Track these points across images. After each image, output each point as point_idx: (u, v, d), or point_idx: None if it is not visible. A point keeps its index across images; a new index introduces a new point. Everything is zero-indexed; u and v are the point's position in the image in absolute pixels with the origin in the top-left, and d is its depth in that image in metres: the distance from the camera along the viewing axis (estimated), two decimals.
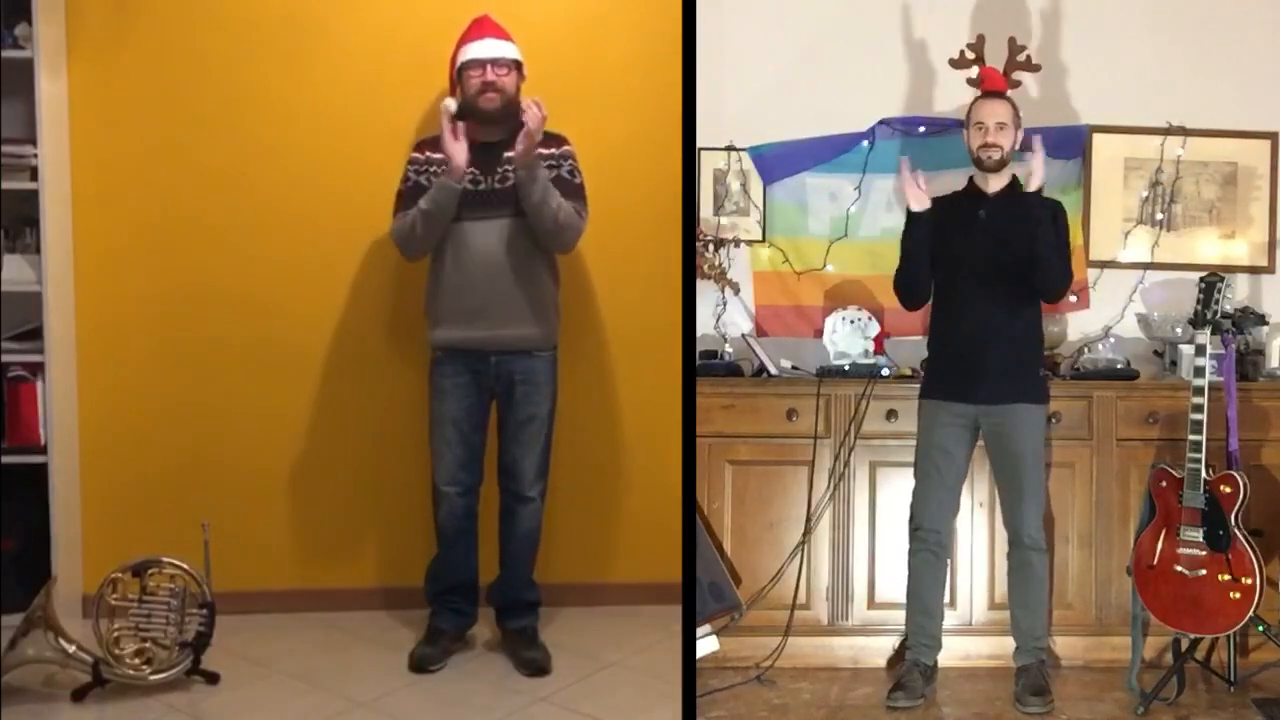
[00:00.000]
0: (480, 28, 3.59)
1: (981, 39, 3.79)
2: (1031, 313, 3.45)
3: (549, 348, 3.67)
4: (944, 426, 3.44)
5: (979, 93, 3.56)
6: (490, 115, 3.54)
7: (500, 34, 3.59)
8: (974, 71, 3.74)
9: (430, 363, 3.70)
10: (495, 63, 3.53)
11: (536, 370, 3.63)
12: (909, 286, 3.51)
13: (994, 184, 3.44)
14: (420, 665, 3.61)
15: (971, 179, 3.49)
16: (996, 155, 3.40)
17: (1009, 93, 3.55)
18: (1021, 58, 3.81)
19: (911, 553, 3.50)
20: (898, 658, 3.66)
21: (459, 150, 3.47)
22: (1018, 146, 3.46)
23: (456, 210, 3.53)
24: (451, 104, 3.57)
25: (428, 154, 3.61)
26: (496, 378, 3.62)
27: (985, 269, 3.39)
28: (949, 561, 3.57)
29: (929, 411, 3.47)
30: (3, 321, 3.67)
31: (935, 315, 3.52)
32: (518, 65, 3.59)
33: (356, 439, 4.09)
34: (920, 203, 3.44)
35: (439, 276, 3.62)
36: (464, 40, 3.59)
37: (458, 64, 3.58)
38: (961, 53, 3.80)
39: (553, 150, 3.60)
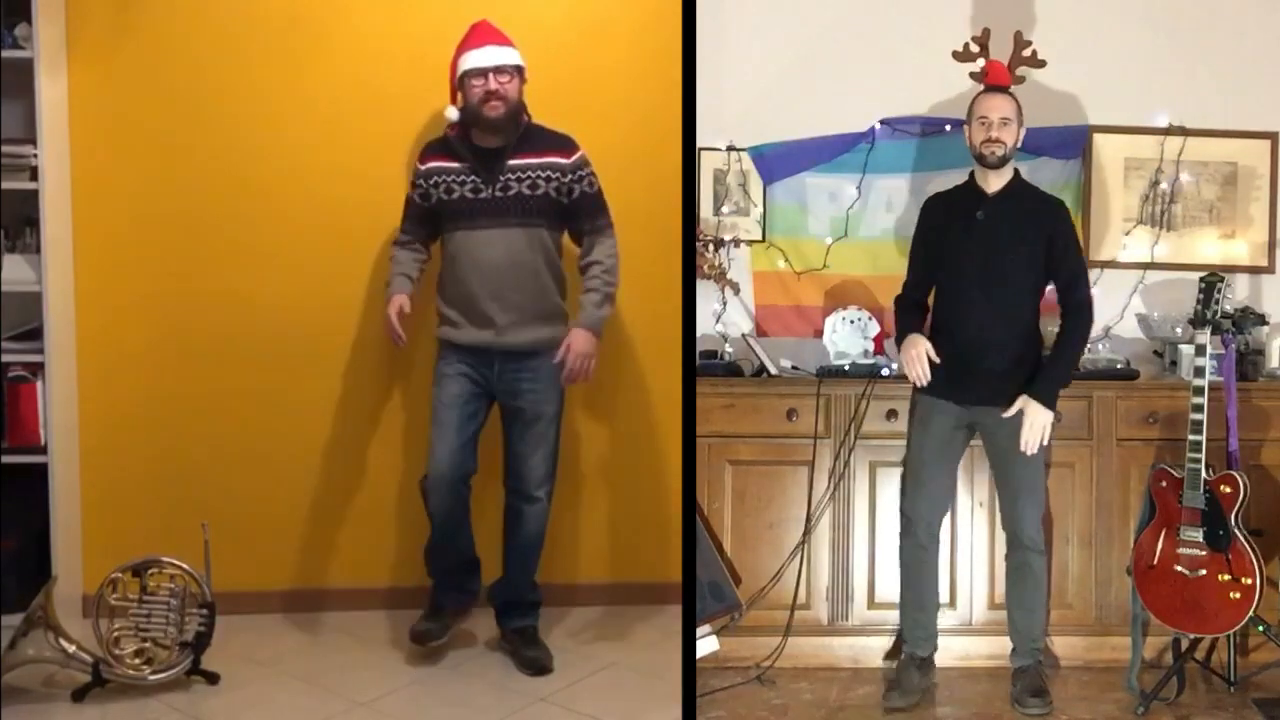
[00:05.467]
0: (481, 34, 3.57)
1: (986, 32, 3.77)
2: (1030, 313, 3.44)
3: (553, 348, 3.67)
4: (940, 421, 3.43)
5: (981, 87, 3.54)
6: (495, 124, 3.53)
7: (501, 40, 3.57)
8: (978, 65, 3.72)
9: (436, 351, 3.70)
10: (498, 70, 3.52)
11: (542, 370, 3.62)
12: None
13: (994, 182, 3.42)
14: (422, 640, 3.60)
15: (972, 175, 3.47)
16: (999, 152, 3.37)
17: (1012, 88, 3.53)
18: (1027, 53, 3.79)
19: (902, 547, 3.51)
20: (893, 652, 3.65)
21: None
22: (1020, 143, 3.44)
23: (460, 219, 3.56)
24: (453, 112, 3.59)
25: (428, 164, 3.61)
26: (500, 379, 3.62)
27: (983, 270, 3.38)
28: (940, 555, 3.55)
29: (925, 406, 3.47)
30: (3, 321, 3.67)
31: (937, 312, 3.50)
32: (519, 70, 3.58)
33: (357, 439, 4.09)
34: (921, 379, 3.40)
35: (445, 281, 3.64)
36: (464, 47, 3.57)
37: (459, 71, 3.56)
38: (966, 45, 3.78)
39: (561, 160, 3.59)
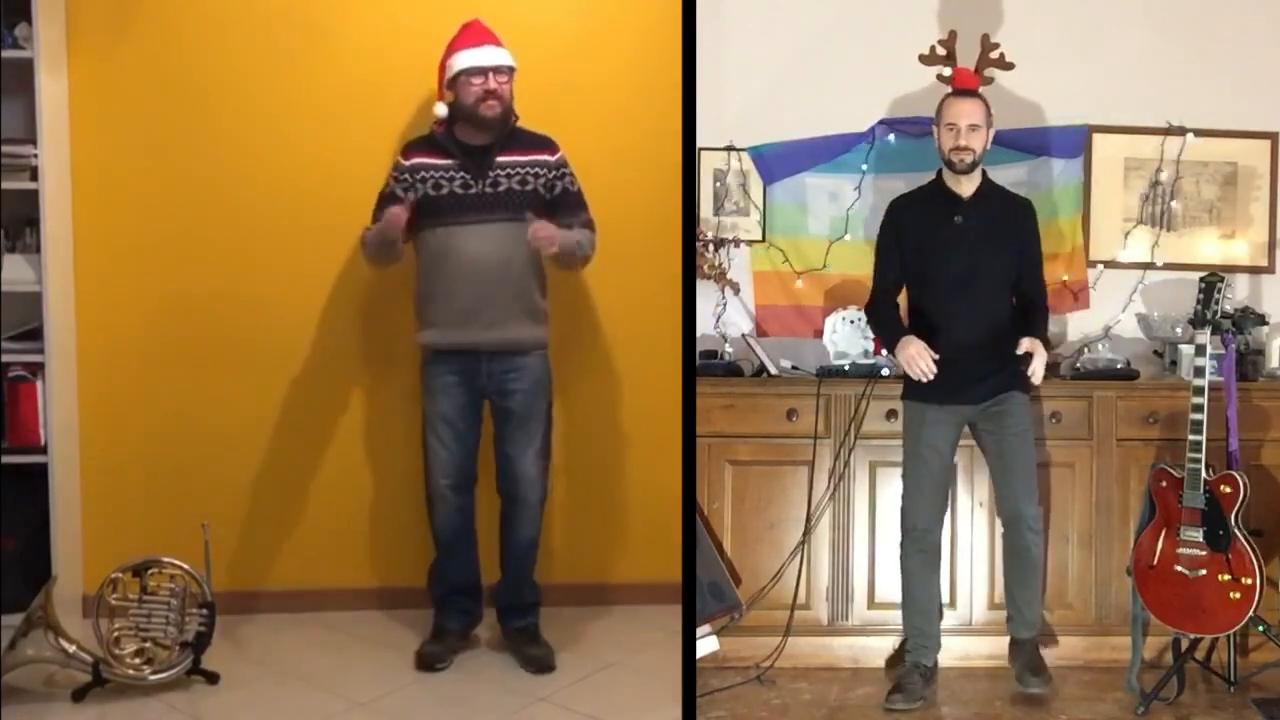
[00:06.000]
0: (476, 34, 3.59)
1: (953, 34, 3.76)
2: (1008, 312, 3.46)
3: (540, 347, 3.68)
4: (933, 425, 3.43)
5: (949, 90, 3.52)
6: (490, 123, 3.56)
7: (496, 40, 3.60)
8: (947, 70, 3.71)
9: (421, 363, 3.70)
10: (496, 70, 3.54)
11: (530, 369, 3.63)
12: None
13: (967, 186, 3.44)
14: (428, 663, 3.61)
15: (940, 176, 3.48)
16: (969, 159, 3.39)
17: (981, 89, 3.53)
18: (995, 55, 3.78)
19: (904, 555, 3.49)
20: (897, 658, 3.65)
21: (395, 221, 3.49)
22: (989, 146, 3.45)
23: (445, 215, 3.56)
24: (442, 109, 3.60)
25: (413, 160, 3.62)
26: (489, 378, 3.62)
27: (963, 274, 3.40)
28: (942, 561, 3.56)
29: (916, 412, 3.47)
30: (3, 321, 3.67)
31: (918, 317, 3.50)
32: (512, 71, 3.60)
33: (356, 439, 4.09)
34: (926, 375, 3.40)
35: (429, 280, 3.63)
36: (458, 45, 3.59)
37: (453, 70, 3.57)
38: (932, 48, 3.77)
39: (547, 158, 3.63)
